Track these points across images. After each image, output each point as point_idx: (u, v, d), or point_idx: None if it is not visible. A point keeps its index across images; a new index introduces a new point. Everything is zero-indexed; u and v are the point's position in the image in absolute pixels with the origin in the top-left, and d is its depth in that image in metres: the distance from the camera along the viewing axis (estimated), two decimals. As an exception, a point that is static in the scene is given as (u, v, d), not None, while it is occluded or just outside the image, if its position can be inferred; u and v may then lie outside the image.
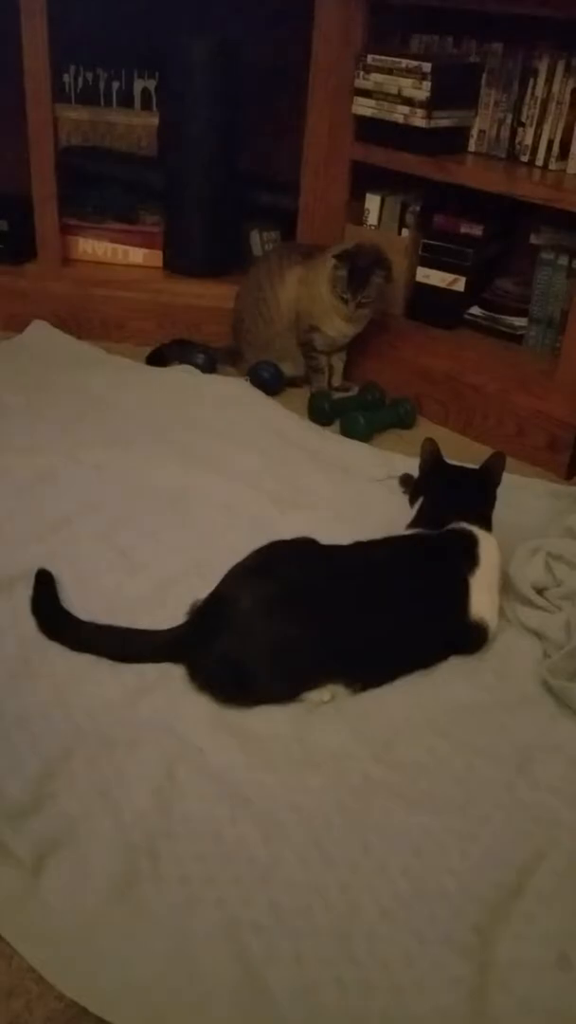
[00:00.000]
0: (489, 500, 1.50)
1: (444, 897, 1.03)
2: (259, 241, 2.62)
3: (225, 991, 0.93)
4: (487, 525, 1.47)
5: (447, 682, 1.35)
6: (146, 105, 2.67)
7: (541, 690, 1.35)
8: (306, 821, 1.11)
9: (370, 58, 2.11)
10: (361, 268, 2.04)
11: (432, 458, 1.53)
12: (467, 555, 1.41)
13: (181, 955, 0.95)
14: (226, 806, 1.12)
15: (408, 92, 2.06)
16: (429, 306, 2.34)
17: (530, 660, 1.40)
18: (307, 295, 2.16)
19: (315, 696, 1.28)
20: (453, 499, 1.49)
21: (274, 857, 1.06)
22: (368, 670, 1.32)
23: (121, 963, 0.95)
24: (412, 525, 1.50)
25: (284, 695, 1.28)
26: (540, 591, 1.50)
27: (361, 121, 2.20)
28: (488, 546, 1.44)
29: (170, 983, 0.93)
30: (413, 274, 2.35)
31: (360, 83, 2.14)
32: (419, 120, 2.07)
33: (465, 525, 1.44)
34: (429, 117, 2.06)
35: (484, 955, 0.97)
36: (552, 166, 2.09)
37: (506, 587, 1.50)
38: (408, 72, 2.06)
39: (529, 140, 2.12)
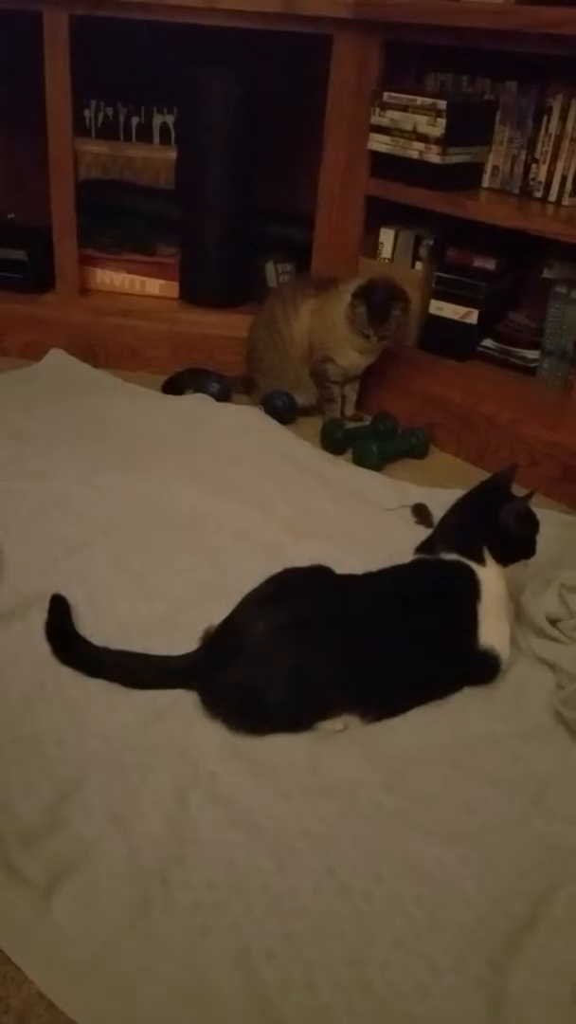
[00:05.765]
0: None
1: (458, 927, 1.02)
2: (274, 273, 2.65)
3: (237, 1019, 0.92)
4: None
5: (461, 712, 1.35)
6: (164, 140, 2.72)
7: (555, 721, 1.34)
8: (319, 849, 1.10)
9: (386, 95, 2.15)
10: (380, 303, 2.06)
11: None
12: (469, 582, 1.40)
13: (193, 982, 0.95)
14: (239, 833, 1.12)
15: (423, 129, 2.10)
16: (442, 338, 2.36)
17: (544, 691, 1.40)
18: (320, 326, 2.18)
19: (328, 726, 1.28)
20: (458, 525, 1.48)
21: (287, 885, 1.05)
22: (382, 700, 1.32)
23: (132, 989, 0.94)
24: (419, 550, 1.50)
25: (297, 724, 1.27)
26: (554, 622, 1.49)
27: (376, 157, 2.23)
28: (487, 573, 1.41)
29: (182, 1010, 0.92)
30: (426, 306, 2.37)
31: (376, 120, 2.18)
32: (434, 156, 2.10)
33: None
34: (444, 153, 2.09)
35: (498, 987, 0.96)
36: (565, 202, 2.13)
37: (520, 618, 1.50)
38: (423, 109, 2.09)
39: (543, 176, 2.15)
